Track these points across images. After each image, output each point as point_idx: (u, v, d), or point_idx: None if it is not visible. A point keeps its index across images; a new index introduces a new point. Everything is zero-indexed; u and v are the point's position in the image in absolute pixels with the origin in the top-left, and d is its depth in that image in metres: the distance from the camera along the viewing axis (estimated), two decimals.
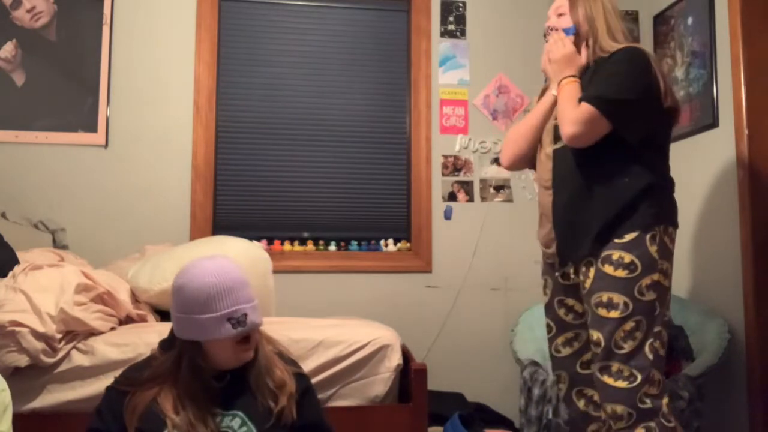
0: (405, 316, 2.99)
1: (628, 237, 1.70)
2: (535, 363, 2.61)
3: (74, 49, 2.94)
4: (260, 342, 1.53)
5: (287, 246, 3.04)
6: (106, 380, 1.84)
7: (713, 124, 2.65)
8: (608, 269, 1.71)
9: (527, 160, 2.03)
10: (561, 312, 1.94)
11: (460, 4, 3.23)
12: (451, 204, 3.13)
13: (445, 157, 3.14)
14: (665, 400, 1.69)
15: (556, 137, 1.87)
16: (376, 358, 1.97)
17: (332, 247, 3.07)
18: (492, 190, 3.15)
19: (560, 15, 1.92)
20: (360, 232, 3.12)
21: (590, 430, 1.92)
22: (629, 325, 1.69)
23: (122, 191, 2.92)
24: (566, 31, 1.89)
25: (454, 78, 3.19)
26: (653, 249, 1.69)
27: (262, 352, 1.52)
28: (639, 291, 1.68)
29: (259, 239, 2.95)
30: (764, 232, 2.41)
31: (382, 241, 3.11)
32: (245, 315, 1.42)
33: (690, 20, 2.85)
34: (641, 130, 1.74)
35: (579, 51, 1.88)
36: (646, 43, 3.24)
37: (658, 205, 1.73)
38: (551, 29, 1.93)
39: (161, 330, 1.96)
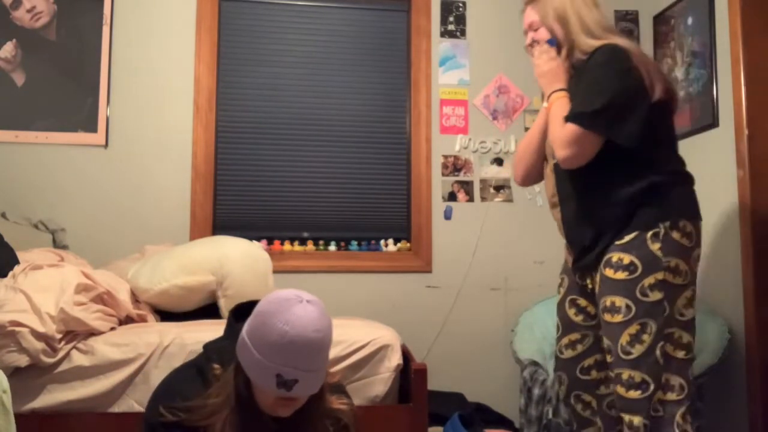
0: (405, 316, 2.99)
1: (628, 238, 1.66)
2: (535, 363, 2.61)
3: (74, 49, 2.94)
4: (322, 397, 1.41)
5: (287, 246, 3.04)
6: (106, 380, 1.86)
7: (713, 124, 2.65)
8: (609, 272, 1.68)
9: (538, 175, 2.00)
10: (571, 312, 1.90)
11: (460, 4, 3.23)
12: (451, 204, 3.13)
13: (445, 157, 3.14)
14: (682, 408, 1.61)
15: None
16: (376, 358, 1.97)
17: (332, 247, 3.07)
18: (492, 190, 3.15)
19: (536, 30, 1.86)
20: (360, 232, 3.12)
21: None
22: (634, 329, 1.63)
23: (122, 191, 2.92)
24: (549, 42, 1.82)
25: (454, 78, 3.19)
26: (655, 247, 1.63)
27: (321, 408, 1.41)
28: (641, 292, 1.63)
29: (259, 239, 2.94)
30: (764, 232, 2.41)
31: (382, 241, 3.11)
32: (295, 381, 1.27)
33: (690, 20, 2.85)
34: (634, 130, 1.65)
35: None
36: (646, 43, 3.25)
37: (660, 202, 1.66)
38: (533, 44, 1.87)
39: (161, 330, 1.96)
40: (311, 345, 1.27)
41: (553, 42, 1.81)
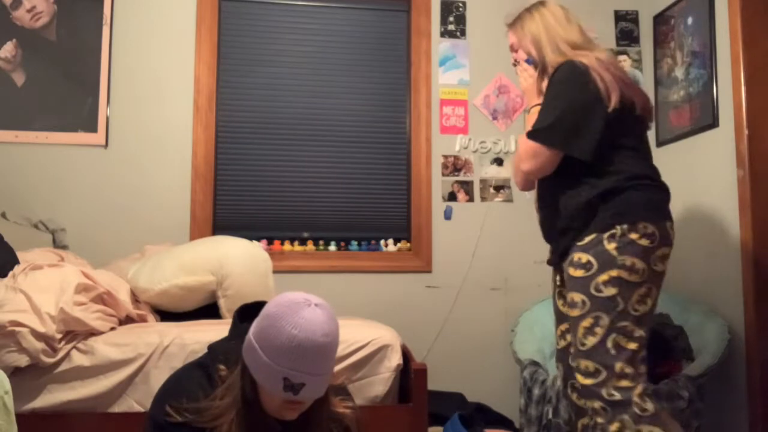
0: (405, 316, 2.99)
1: (587, 239, 1.77)
2: (535, 363, 2.61)
3: (74, 49, 2.94)
4: (327, 400, 1.42)
5: (287, 246, 3.04)
6: (106, 380, 1.86)
7: (713, 124, 2.65)
8: (571, 270, 1.80)
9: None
10: (559, 303, 2.02)
11: (460, 4, 3.23)
12: (451, 204, 3.13)
13: (445, 157, 3.14)
14: (637, 390, 1.69)
15: None
16: (376, 358, 1.97)
17: (332, 247, 3.07)
18: (492, 190, 3.15)
19: (515, 50, 2.03)
20: (360, 232, 3.12)
21: (581, 423, 1.94)
22: (588, 322, 1.74)
23: (122, 191, 2.92)
24: (526, 61, 1.99)
25: (454, 78, 3.19)
26: (611, 246, 1.73)
27: (325, 410, 1.42)
28: (596, 288, 1.73)
29: (259, 239, 2.95)
30: (764, 232, 2.41)
31: (382, 241, 3.11)
32: (303, 385, 1.27)
33: (690, 20, 2.85)
34: (589, 144, 1.75)
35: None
36: (646, 43, 3.25)
37: (617, 206, 1.75)
38: (516, 62, 2.04)
39: (161, 330, 1.96)
40: (320, 349, 1.26)
41: (530, 61, 1.98)
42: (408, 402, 1.96)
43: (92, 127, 2.91)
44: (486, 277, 3.11)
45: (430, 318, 3.05)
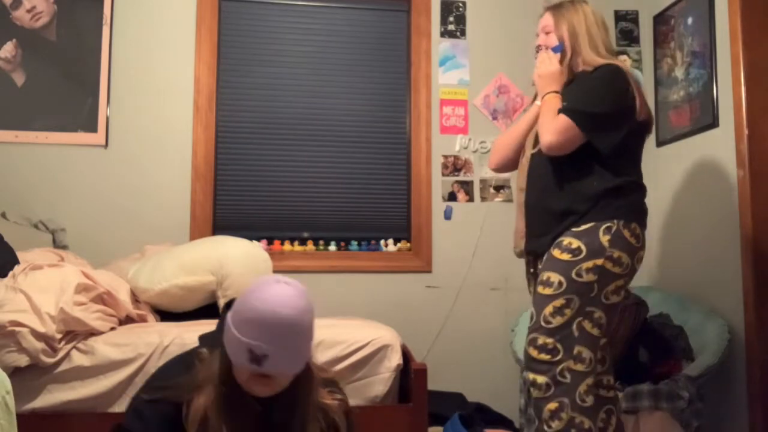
0: (405, 316, 2.99)
1: (584, 227, 1.83)
2: None
3: (74, 49, 2.94)
4: (310, 387, 1.43)
5: (287, 246, 3.04)
6: (106, 380, 1.86)
7: (713, 124, 2.65)
8: (556, 252, 1.85)
9: (512, 165, 2.18)
10: (531, 288, 2.07)
11: (460, 4, 3.23)
12: (451, 204, 3.13)
13: (445, 157, 3.14)
14: (588, 380, 1.75)
15: (536, 143, 1.99)
16: (376, 358, 1.97)
17: (332, 247, 3.07)
18: (492, 190, 3.15)
19: (547, 33, 2.04)
20: (360, 232, 3.12)
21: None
22: (560, 302, 1.80)
23: (122, 191, 2.92)
24: (554, 49, 2.01)
25: (454, 78, 3.19)
26: (605, 238, 1.80)
27: (310, 398, 1.42)
28: (577, 273, 1.79)
29: (259, 239, 2.94)
30: (764, 232, 2.41)
31: (382, 241, 3.11)
32: (265, 356, 1.29)
33: (690, 20, 2.85)
34: (614, 141, 1.84)
35: (563, 65, 2.00)
36: (646, 43, 3.25)
37: (619, 203, 1.84)
38: (540, 47, 2.06)
39: (161, 330, 1.97)
40: (281, 321, 1.29)
41: (559, 48, 2.00)
42: (408, 402, 1.96)
43: (92, 127, 2.91)
44: (486, 277, 3.10)
45: (430, 318, 3.05)
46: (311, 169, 3.09)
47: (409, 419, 1.93)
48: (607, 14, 3.30)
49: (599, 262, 1.79)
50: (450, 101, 3.17)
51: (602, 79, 1.88)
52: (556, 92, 1.96)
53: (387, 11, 3.22)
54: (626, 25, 3.30)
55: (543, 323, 1.81)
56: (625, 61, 1.98)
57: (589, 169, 1.86)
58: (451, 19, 3.22)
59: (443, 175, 3.13)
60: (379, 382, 1.97)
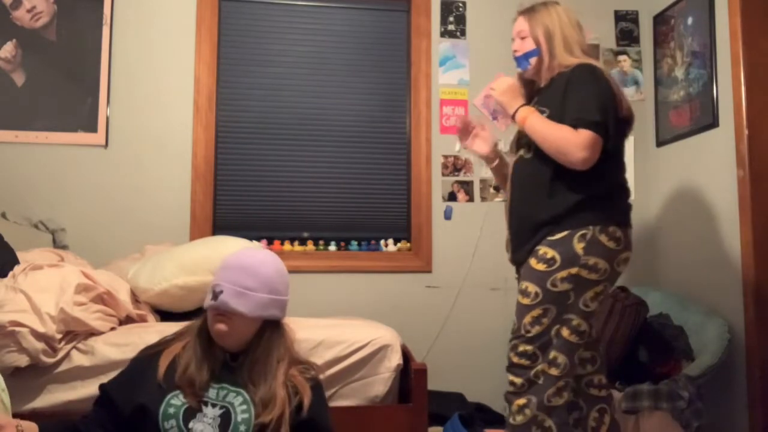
0: (405, 316, 2.99)
1: (558, 236, 1.83)
2: None
3: (74, 49, 2.94)
4: (273, 346, 1.55)
5: (287, 246, 3.04)
6: (106, 380, 1.85)
7: (713, 124, 2.65)
8: (533, 262, 1.86)
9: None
10: None
11: (460, 4, 3.23)
12: (451, 204, 3.13)
13: (445, 157, 3.14)
14: (558, 384, 1.80)
15: (518, 149, 2.00)
16: (376, 358, 1.97)
17: (332, 247, 3.07)
18: (492, 190, 3.15)
19: (523, 38, 2.02)
20: (360, 232, 3.12)
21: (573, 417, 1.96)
22: (537, 312, 1.83)
23: (122, 191, 2.92)
24: (530, 53, 1.99)
25: (454, 78, 3.19)
26: (579, 246, 1.80)
27: (271, 358, 1.53)
28: (552, 283, 1.81)
29: (259, 239, 2.94)
30: (764, 232, 2.41)
31: (382, 241, 3.11)
32: (221, 292, 1.48)
33: (690, 20, 2.85)
34: (616, 141, 1.87)
35: (541, 69, 1.99)
36: (646, 43, 3.25)
37: (595, 210, 1.83)
38: (516, 52, 2.04)
39: (161, 330, 1.96)
40: (242, 264, 1.52)
41: (537, 53, 1.99)
42: (408, 402, 1.96)
43: (92, 127, 2.92)
44: (486, 277, 3.10)
45: (430, 318, 3.05)
46: (311, 169, 3.09)
47: (409, 419, 1.93)
48: (607, 14, 3.31)
49: (573, 271, 1.80)
50: (450, 101, 3.17)
51: (590, 82, 1.85)
52: (525, 105, 1.94)
53: (387, 11, 3.22)
54: (626, 25, 3.30)
55: (524, 332, 1.85)
56: (598, 61, 1.96)
57: (569, 175, 1.84)
58: (451, 19, 3.22)
59: (443, 175, 3.13)
60: (379, 382, 1.97)
